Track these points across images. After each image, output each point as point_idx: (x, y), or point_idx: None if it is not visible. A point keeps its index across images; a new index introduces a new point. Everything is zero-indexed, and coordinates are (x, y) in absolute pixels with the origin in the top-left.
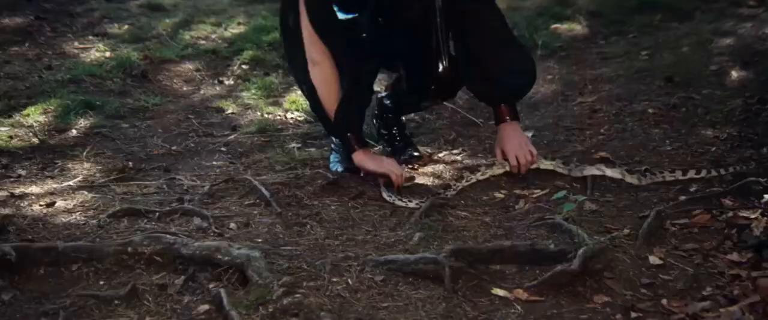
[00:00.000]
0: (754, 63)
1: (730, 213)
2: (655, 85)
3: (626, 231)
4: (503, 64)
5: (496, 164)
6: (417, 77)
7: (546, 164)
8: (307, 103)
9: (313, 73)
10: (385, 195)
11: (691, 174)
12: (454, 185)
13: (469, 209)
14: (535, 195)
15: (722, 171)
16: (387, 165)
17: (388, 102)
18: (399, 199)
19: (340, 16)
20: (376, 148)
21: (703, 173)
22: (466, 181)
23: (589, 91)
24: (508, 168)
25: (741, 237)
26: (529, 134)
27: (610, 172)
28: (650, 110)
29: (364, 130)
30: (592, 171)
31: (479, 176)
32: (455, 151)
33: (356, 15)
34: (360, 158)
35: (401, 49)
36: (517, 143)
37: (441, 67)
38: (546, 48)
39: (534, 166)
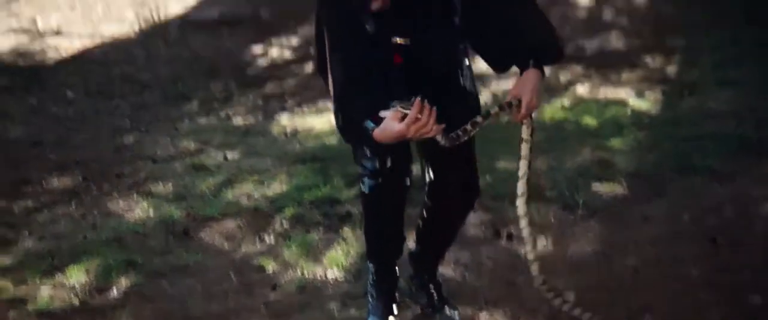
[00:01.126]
0: None
1: None
2: (699, 247)
3: None
4: (527, 17)
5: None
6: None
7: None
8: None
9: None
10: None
11: None
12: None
13: None
14: None
15: None
16: (398, 128)
17: (418, 249)
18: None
19: None
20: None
21: None
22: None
23: (632, 252)
24: (510, 112)
25: None
26: (571, 295)
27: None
28: (695, 272)
29: (401, 285)
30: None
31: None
32: (496, 313)
33: None
34: (376, 133)
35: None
36: (533, 90)
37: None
38: (587, 208)
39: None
